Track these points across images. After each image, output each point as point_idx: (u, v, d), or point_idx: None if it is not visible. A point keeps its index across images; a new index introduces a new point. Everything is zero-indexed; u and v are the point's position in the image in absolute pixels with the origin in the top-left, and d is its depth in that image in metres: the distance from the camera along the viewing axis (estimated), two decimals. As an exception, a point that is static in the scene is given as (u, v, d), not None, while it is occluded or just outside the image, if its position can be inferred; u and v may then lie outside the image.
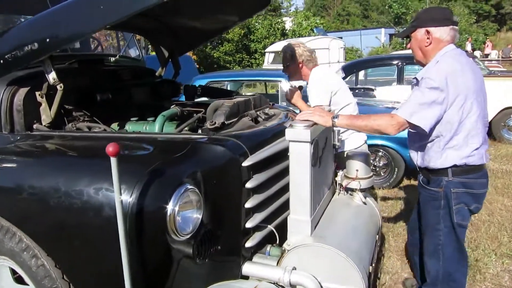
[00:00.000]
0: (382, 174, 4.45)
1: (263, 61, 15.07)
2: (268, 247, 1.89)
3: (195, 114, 2.28)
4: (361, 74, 7.54)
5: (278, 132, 2.02)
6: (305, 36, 18.96)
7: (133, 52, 3.24)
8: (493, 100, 5.75)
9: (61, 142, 1.84)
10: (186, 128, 2.14)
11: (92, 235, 1.43)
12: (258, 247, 1.89)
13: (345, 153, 2.33)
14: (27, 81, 2.01)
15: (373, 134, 1.87)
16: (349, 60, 14.64)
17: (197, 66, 16.27)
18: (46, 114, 2.01)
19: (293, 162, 1.78)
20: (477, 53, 19.15)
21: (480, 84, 1.82)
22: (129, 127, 2.33)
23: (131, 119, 2.40)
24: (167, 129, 2.16)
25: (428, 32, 1.83)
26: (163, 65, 2.94)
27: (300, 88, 2.77)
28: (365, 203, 2.23)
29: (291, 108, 2.98)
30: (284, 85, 4.73)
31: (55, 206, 1.43)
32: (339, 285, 1.66)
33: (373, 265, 1.94)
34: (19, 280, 1.75)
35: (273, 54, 14.18)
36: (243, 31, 19.54)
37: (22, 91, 1.96)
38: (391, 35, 22.67)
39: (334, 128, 2.27)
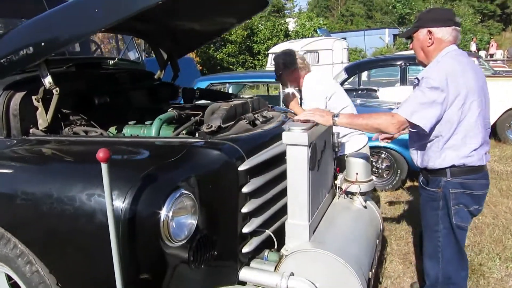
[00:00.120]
0: (385, 176, 4.41)
1: (266, 63, 15.06)
2: (266, 252, 1.87)
3: (192, 117, 2.26)
4: (364, 75, 7.49)
5: (276, 135, 1.99)
6: (308, 37, 18.93)
7: (133, 55, 3.23)
8: (498, 100, 5.70)
9: (56, 147, 1.83)
10: (183, 132, 2.12)
11: (85, 242, 1.41)
12: (256, 252, 1.86)
13: (346, 155, 2.29)
14: (23, 85, 2.00)
15: (374, 132, 1.87)
16: (353, 61, 14.59)
17: (200, 67, 16.32)
18: (43, 119, 2.00)
19: (291, 166, 1.76)
20: (482, 53, 18.99)
21: (481, 84, 1.80)
22: (127, 130, 2.31)
23: (129, 122, 2.38)
24: (164, 132, 2.14)
25: (430, 32, 1.83)
26: (162, 68, 2.92)
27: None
28: (365, 207, 2.20)
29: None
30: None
31: (48, 212, 1.42)
32: (337, 292, 1.63)
33: (373, 270, 1.90)
34: (14, 286, 1.73)
35: (276, 56, 14.18)
36: (246, 33, 19.55)
37: (18, 96, 1.95)
38: (395, 36, 22.57)
39: (334, 131, 2.24)
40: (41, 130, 2.00)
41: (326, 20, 27.68)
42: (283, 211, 1.90)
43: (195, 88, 5.15)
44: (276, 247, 1.88)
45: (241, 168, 1.69)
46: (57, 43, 1.78)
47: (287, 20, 22.49)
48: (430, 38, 1.83)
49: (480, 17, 26.02)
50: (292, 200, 1.79)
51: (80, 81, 2.35)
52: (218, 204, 1.65)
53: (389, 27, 23.82)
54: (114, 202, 1.33)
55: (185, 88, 2.86)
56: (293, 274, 1.68)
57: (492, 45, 20.45)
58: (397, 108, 1.80)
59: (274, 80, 5.47)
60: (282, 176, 1.86)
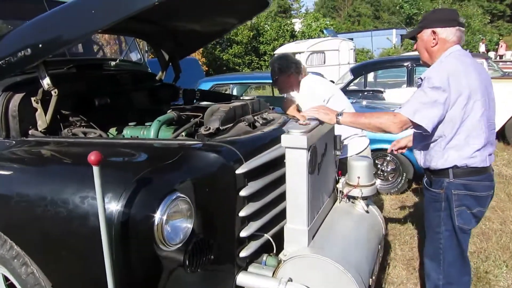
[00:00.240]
0: (390, 179, 4.34)
1: (272, 63, 15.01)
2: (265, 257, 1.83)
3: (192, 119, 2.24)
4: (371, 76, 7.42)
5: (276, 138, 1.95)
6: (314, 37, 18.87)
7: (135, 56, 3.22)
8: (507, 103, 5.59)
9: (53, 148, 1.82)
10: (183, 134, 2.09)
11: (79, 245, 1.39)
12: (255, 257, 1.83)
13: (347, 158, 2.25)
14: (23, 86, 2.00)
15: (376, 132, 1.86)
16: (359, 62, 14.49)
17: (206, 68, 16.35)
18: (42, 120, 1.99)
19: (290, 170, 1.72)
20: (491, 54, 18.73)
21: (485, 85, 1.79)
22: (127, 131, 2.30)
23: (129, 123, 2.37)
24: (164, 134, 2.12)
25: (434, 32, 1.83)
26: (163, 69, 2.91)
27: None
28: (367, 212, 2.16)
29: None
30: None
31: (42, 214, 1.41)
32: (336, 299, 1.59)
33: (374, 277, 1.86)
34: (11, 287, 1.73)
35: (282, 56, 14.16)
36: (252, 33, 19.55)
37: (18, 97, 1.95)
38: (402, 36, 22.37)
39: (336, 134, 2.21)
40: (40, 131, 1.99)
41: (333, 20, 27.54)
42: (282, 215, 1.87)
43: (199, 88, 5.17)
44: (275, 251, 1.85)
45: (239, 171, 1.66)
46: (54, 45, 1.77)
47: (293, 20, 22.42)
48: (434, 39, 1.83)
49: (490, 18, 25.69)
50: (291, 204, 1.76)
51: (80, 82, 2.34)
52: (215, 208, 1.62)
53: (397, 28, 23.62)
54: (108, 205, 1.31)
55: (186, 89, 2.84)
56: (291, 280, 1.65)
57: (501, 46, 20.13)
58: (400, 107, 1.79)
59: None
60: (282, 179, 1.83)
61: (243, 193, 1.68)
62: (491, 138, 1.83)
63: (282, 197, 1.86)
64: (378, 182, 4.37)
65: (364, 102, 5.49)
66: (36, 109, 1.99)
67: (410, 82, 6.26)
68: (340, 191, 2.20)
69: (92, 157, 1.15)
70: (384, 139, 4.26)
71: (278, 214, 1.91)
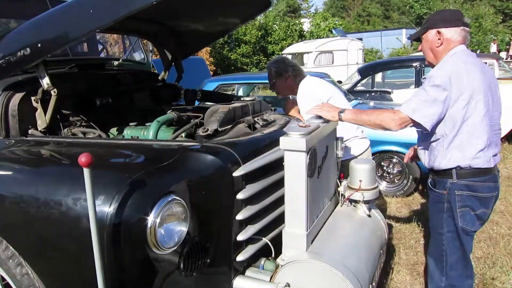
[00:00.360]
0: (396, 181, 4.27)
1: (280, 63, 14.96)
2: (263, 261, 1.80)
3: (192, 120, 2.22)
4: (379, 76, 7.33)
5: (276, 140, 1.91)
6: (323, 37, 18.75)
7: (139, 56, 3.22)
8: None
9: (51, 148, 1.81)
10: (182, 134, 2.07)
11: (71, 247, 1.38)
12: (253, 260, 1.80)
13: (349, 161, 2.20)
14: (23, 86, 2.00)
15: (376, 129, 1.87)
16: (368, 62, 14.35)
17: (214, 68, 16.35)
18: (42, 120, 1.99)
19: (288, 173, 1.69)
20: (503, 54, 18.38)
21: (489, 85, 1.78)
22: (127, 132, 2.29)
23: (130, 124, 2.36)
24: (163, 134, 2.10)
25: (439, 32, 1.84)
26: (166, 69, 2.90)
27: None
28: (369, 216, 2.11)
29: None
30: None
31: (35, 215, 1.40)
32: (334, 306, 1.55)
33: (374, 283, 1.81)
34: (6, 287, 1.72)
35: (290, 56, 14.05)
36: (260, 33, 19.50)
37: (18, 96, 1.95)
38: (408, 37, 22.02)
39: (337, 136, 2.16)
40: (40, 131, 1.99)
41: (342, 20, 27.32)
42: (281, 218, 1.83)
43: (200, 89, 5.16)
44: (273, 255, 1.81)
45: (236, 173, 1.63)
46: (53, 44, 1.76)
47: (302, 20, 22.32)
48: (439, 39, 1.84)
49: (502, 17, 25.19)
50: (290, 208, 1.73)
51: (81, 82, 2.34)
52: (211, 211, 1.60)
53: (407, 28, 23.32)
54: (100, 207, 1.30)
55: (187, 90, 2.82)
56: (288, 285, 1.62)
57: (513, 46, 19.76)
58: (400, 105, 1.80)
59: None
60: (281, 182, 1.79)
61: (240, 196, 1.65)
62: (495, 138, 1.82)
63: (281, 201, 1.83)
64: (384, 184, 4.31)
65: (372, 103, 5.41)
66: (36, 109, 1.99)
67: (418, 83, 6.15)
68: (341, 195, 2.16)
69: (83, 159, 1.13)
70: (390, 141, 4.20)
71: (277, 218, 1.87)
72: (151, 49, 3.68)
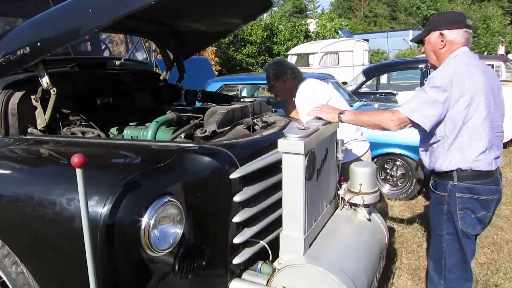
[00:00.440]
0: (399, 184, 4.23)
1: (286, 64, 14.91)
2: (260, 264, 1.79)
3: (192, 120, 2.20)
4: (384, 78, 7.27)
5: (275, 142, 1.89)
6: (329, 38, 18.68)
7: (141, 55, 3.22)
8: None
9: (50, 147, 1.81)
10: (182, 135, 2.06)
11: (65, 248, 1.37)
12: (250, 263, 1.78)
13: (350, 163, 2.18)
14: (23, 84, 2.00)
15: (376, 129, 1.88)
16: (374, 63, 14.26)
17: (219, 68, 16.35)
18: (41, 118, 1.99)
19: (286, 175, 1.67)
20: (511, 56, 18.16)
21: (491, 87, 1.77)
22: (127, 132, 2.28)
23: (130, 123, 2.35)
24: (163, 135, 2.09)
25: (442, 34, 1.84)
26: (167, 69, 2.89)
27: None
28: (369, 220, 2.08)
29: None
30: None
31: (29, 214, 1.39)
32: (330, 311, 1.53)
33: (372, 289, 1.79)
34: (3, 285, 1.72)
35: (295, 57, 14.06)
36: (266, 33, 19.48)
37: (17, 95, 1.95)
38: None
39: (338, 139, 2.14)
40: (39, 130, 1.99)
41: (349, 21, 27.20)
42: (279, 221, 1.81)
43: (208, 89, 5.14)
44: (271, 259, 1.79)
45: (233, 176, 1.61)
46: (52, 44, 1.76)
47: (308, 21, 22.25)
48: (442, 41, 1.84)
49: (510, 19, 24.87)
50: (287, 211, 1.71)
51: (82, 82, 2.34)
52: (207, 213, 1.58)
53: (413, 29, 23.13)
54: (94, 208, 1.29)
55: (188, 90, 2.81)
56: (285, 289, 1.60)
57: (521, 47, 19.52)
58: (400, 106, 1.82)
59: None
60: (279, 185, 1.77)
61: (237, 198, 1.63)
62: (496, 140, 1.81)
63: (279, 203, 1.81)
64: (387, 187, 4.27)
65: (376, 105, 5.36)
66: (36, 108, 2.00)
67: (423, 85, 6.09)
68: (341, 198, 2.13)
69: (75, 159, 1.12)
70: (394, 144, 4.16)
71: (275, 221, 1.85)
72: (154, 48, 3.69)
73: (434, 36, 1.85)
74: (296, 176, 1.64)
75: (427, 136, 1.86)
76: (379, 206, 4.02)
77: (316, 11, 35.54)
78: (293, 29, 20.14)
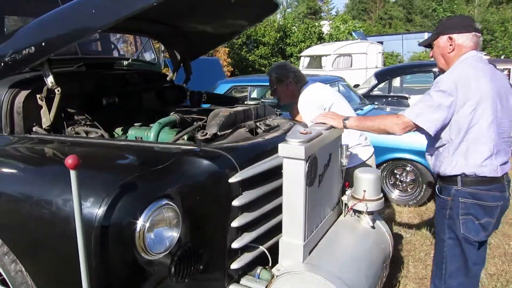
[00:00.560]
0: (409, 190, 4.14)
1: (298, 65, 14.87)
2: (259, 270, 1.76)
3: (195, 122, 2.19)
4: (397, 81, 7.15)
5: (277, 146, 1.86)
6: (342, 40, 18.51)
7: (149, 56, 3.23)
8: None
9: (53, 146, 1.82)
10: (184, 137, 2.05)
11: (60, 248, 1.37)
12: (249, 268, 1.76)
13: (354, 169, 2.13)
14: (29, 83, 2.02)
15: (381, 133, 1.88)
16: (388, 66, 14.06)
17: (232, 69, 16.37)
18: (46, 117, 2.01)
19: (287, 181, 1.64)
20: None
21: (498, 92, 1.75)
22: (131, 132, 2.29)
23: (135, 124, 2.36)
24: (165, 136, 2.08)
25: (451, 38, 1.83)
26: (174, 70, 2.89)
27: None
28: (373, 227, 2.03)
29: None
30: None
31: (27, 214, 1.40)
32: (328, 321, 1.49)
33: (374, 299, 1.74)
34: (3, 282, 1.74)
35: (308, 58, 13.98)
36: (279, 35, 19.42)
37: (23, 94, 1.98)
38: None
39: (342, 144, 2.10)
40: (44, 129, 2.01)
41: (363, 23, 26.93)
42: (280, 227, 1.78)
43: (217, 90, 5.14)
44: (270, 264, 1.77)
45: (232, 180, 1.59)
46: (57, 43, 1.78)
47: (322, 22, 22.11)
48: (451, 45, 1.83)
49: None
50: (287, 217, 1.68)
51: (88, 81, 2.36)
52: (205, 217, 1.57)
53: (429, 31, 22.71)
54: (89, 209, 1.28)
55: (193, 92, 2.81)
56: (282, 297, 1.57)
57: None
58: (404, 110, 1.82)
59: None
60: (280, 190, 1.74)
61: (236, 202, 1.61)
62: (503, 146, 1.77)
63: (280, 209, 1.78)
64: (396, 192, 4.19)
65: (388, 109, 5.27)
66: (41, 107, 2.01)
67: (437, 89, 5.96)
68: (345, 204, 2.08)
69: (69, 160, 1.12)
70: (404, 149, 4.08)
71: (276, 226, 1.82)
72: (163, 49, 3.70)
73: (443, 40, 1.84)
74: (297, 182, 1.61)
75: (433, 140, 1.85)
76: (387, 212, 3.95)
77: (331, 13, 35.32)
78: (306, 30, 20.03)
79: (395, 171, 4.19)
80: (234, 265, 1.66)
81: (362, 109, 4.68)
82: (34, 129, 2.00)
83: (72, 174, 1.14)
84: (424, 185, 3.99)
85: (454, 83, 1.69)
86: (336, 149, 2.02)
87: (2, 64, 1.87)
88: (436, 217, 1.94)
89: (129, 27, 2.48)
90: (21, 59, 1.83)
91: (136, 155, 1.65)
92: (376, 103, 5.51)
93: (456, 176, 1.78)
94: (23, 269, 1.54)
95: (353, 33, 19.31)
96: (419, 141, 3.81)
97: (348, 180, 2.21)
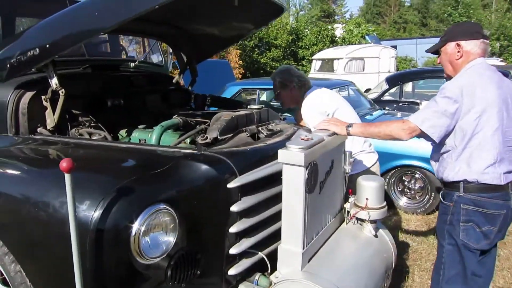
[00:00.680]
0: (417, 198, 4.06)
1: (310, 68, 14.81)
2: (257, 276, 1.73)
3: (198, 126, 2.19)
4: (409, 86, 7.05)
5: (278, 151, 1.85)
6: (355, 43, 18.37)
7: (157, 58, 3.25)
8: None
9: (56, 147, 1.83)
10: (187, 140, 2.05)
11: (56, 251, 1.38)
12: (247, 274, 1.74)
13: (357, 176, 2.09)
14: (34, 85, 2.05)
15: (386, 139, 1.86)
16: (401, 70, 13.88)
17: (243, 71, 16.40)
18: (50, 119, 2.03)
19: (286, 187, 1.61)
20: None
21: (505, 99, 1.74)
22: (135, 134, 2.30)
23: (139, 126, 2.37)
24: (168, 139, 2.08)
25: (458, 45, 1.82)
26: (181, 72, 2.90)
27: None
28: (376, 236, 1.99)
29: None
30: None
31: (25, 215, 1.41)
32: (325, 332, 1.46)
33: (373, 310, 1.70)
34: (4, 282, 1.76)
35: (320, 62, 13.91)
36: (291, 37, 19.38)
37: (28, 95, 2.00)
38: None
39: (346, 150, 2.06)
40: (48, 130, 2.03)
41: (377, 27, 26.70)
42: (280, 233, 1.76)
43: (226, 92, 5.13)
44: (269, 271, 1.74)
45: (231, 185, 1.58)
46: (61, 45, 1.79)
47: (335, 26, 21.99)
48: (458, 51, 1.82)
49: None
50: (286, 224, 1.65)
51: (93, 83, 2.38)
52: (203, 222, 1.55)
53: (444, 36, 22.40)
54: (85, 212, 1.29)
55: (197, 95, 2.81)
56: (279, 305, 1.54)
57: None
58: (410, 115, 1.81)
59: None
60: (280, 196, 1.72)
61: (234, 208, 1.59)
62: (508, 154, 1.75)
63: (279, 215, 1.75)
64: (404, 200, 4.12)
65: (399, 114, 5.19)
66: (46, 108, 2.03)
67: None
68: (347, 212, 2.05)
69: (64, 164, 1.12)
70: (413, 155, 4.00)
71: (275, 232, 1.80)
72: (171, 51, 3.71)
73: (450, 46, 1.83)
74: (296, 189, 1.58)
75: (437, 146, 1.84)
76: (394, 220, 3.88)
77: (344, 16, 35.16)
78: (318, 33, 19.95)
79: (404, 178, 4.12)
80: (232, 271, 1.64)
81: (371, 114, 4.61)
82: (38, 130, 2.02)
83: (67, 177, 1.14)
84: (433, 193, 3.91)
85: (460, 90, 1.68)
86: (339, 155, 1.99)
87: (8, 65, 1.90)
88: (438, 223, 1.94)
89: (134, 29, 2.49)
90: (26, 61, 1.85)
91: (135, 158, 1.66)
92: (386, 108, 5.44)
93: (458, 182, 1.77)
94: (22, 270, 1.55)
95: (366, 37, 19.14)
96: (428, 148, 3.74)
97: (351, 187, 2.18)
